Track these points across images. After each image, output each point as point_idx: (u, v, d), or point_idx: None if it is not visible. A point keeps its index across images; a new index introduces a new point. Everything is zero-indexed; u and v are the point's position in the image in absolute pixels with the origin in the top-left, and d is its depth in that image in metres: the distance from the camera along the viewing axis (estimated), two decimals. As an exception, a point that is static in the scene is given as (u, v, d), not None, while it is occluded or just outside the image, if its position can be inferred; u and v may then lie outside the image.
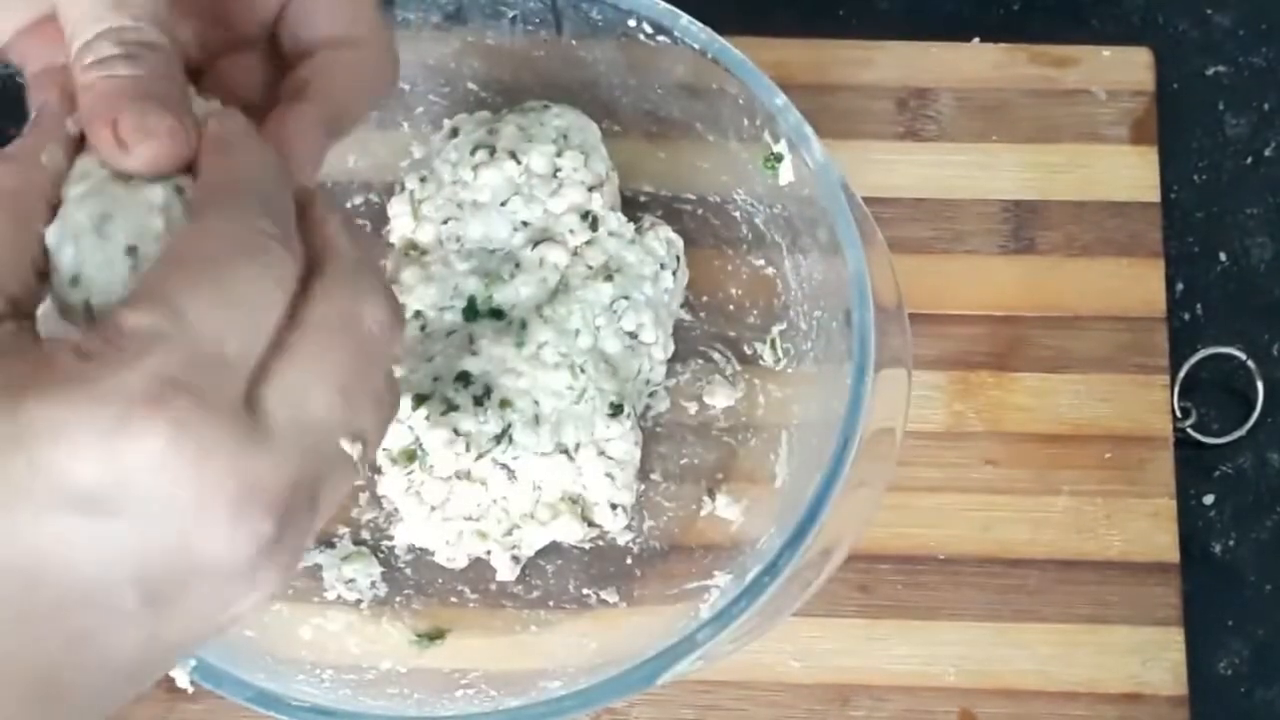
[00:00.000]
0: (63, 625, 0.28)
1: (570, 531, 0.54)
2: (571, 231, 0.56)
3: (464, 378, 0.53)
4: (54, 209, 0.33)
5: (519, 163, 0.56)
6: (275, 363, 0.30)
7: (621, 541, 0.57)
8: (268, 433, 0.29)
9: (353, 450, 0.32)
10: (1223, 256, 0.64)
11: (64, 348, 0.29)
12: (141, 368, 0.28)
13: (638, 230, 0.57)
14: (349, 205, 0.60)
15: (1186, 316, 0.63)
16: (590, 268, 0.55)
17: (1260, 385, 0.61)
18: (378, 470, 0.56)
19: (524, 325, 0.54)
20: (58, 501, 0.28)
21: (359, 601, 0.55)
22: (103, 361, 0.28)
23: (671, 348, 0.57)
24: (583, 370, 0.53)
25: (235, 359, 0.29)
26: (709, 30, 0.53)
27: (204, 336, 0.29)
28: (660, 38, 0.53)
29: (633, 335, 0.55)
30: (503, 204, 0.56)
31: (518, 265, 0.55)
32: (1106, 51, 0.65)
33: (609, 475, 0.54)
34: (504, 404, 0.53)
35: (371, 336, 0.32)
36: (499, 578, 0.56)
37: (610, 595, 0.56)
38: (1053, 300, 0.61)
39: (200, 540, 0.29)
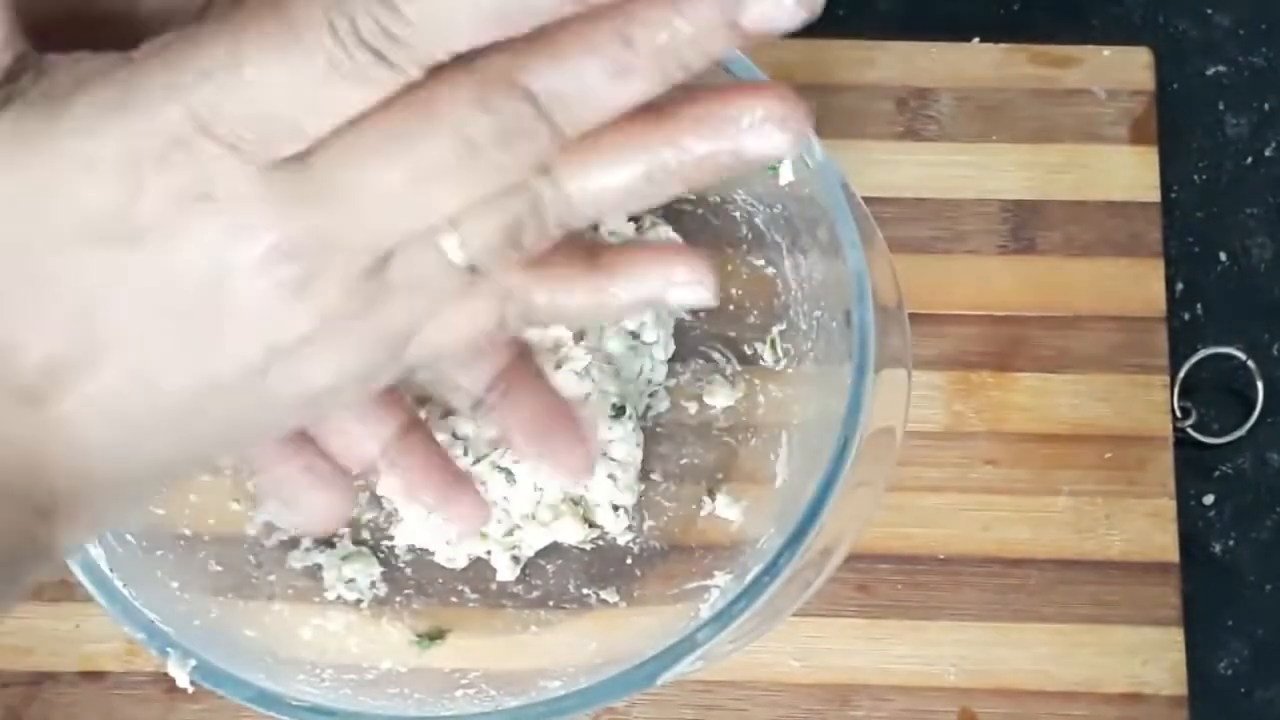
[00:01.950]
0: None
1: (571, 532, 0.54)
2: (572, 231, 0.56)
3: (464, 378, 0.53)
4: None
5: (519, 163, 0.55)
6: (338, 137, 0.28)
7: (622, 541, 0.57)
8: (305, 188, 0.28)
9: (448, 239, 0.29)
10: (1223, 256, 0.64)
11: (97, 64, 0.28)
12: (181, 107, 0.27)
13: (638, 230, 0.57)
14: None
15: (1186, 316, 0.63)
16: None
17: (1260, 385, 0.61)
18: (374, 470, 0.56)
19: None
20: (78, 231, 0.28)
21: (359, 601, 0.55)
22: (142, 81, 0.28)
23: (672, 348, 0.57)
24: (587, 372, 0.53)
25: (283, 121, 0.28)
26: (709, 30, 0.53)
27: (256, 91, 0.27)
28: (660, 38, 0.53)
29: (634, 335, 0.55)
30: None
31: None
32: (1106, 51, 0.65)
33: (611, 477, 0.54)
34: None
35: (466, 139, 0.28)
36: (499, 578, 0.56)
37: (610, 595, 0.56)
38: (1052, 300, 0.61)
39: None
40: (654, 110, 0.29)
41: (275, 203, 0.28)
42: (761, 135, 0.30)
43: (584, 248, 0.33)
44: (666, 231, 0.57)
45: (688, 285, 0.32)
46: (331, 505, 0.39)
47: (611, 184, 0.29)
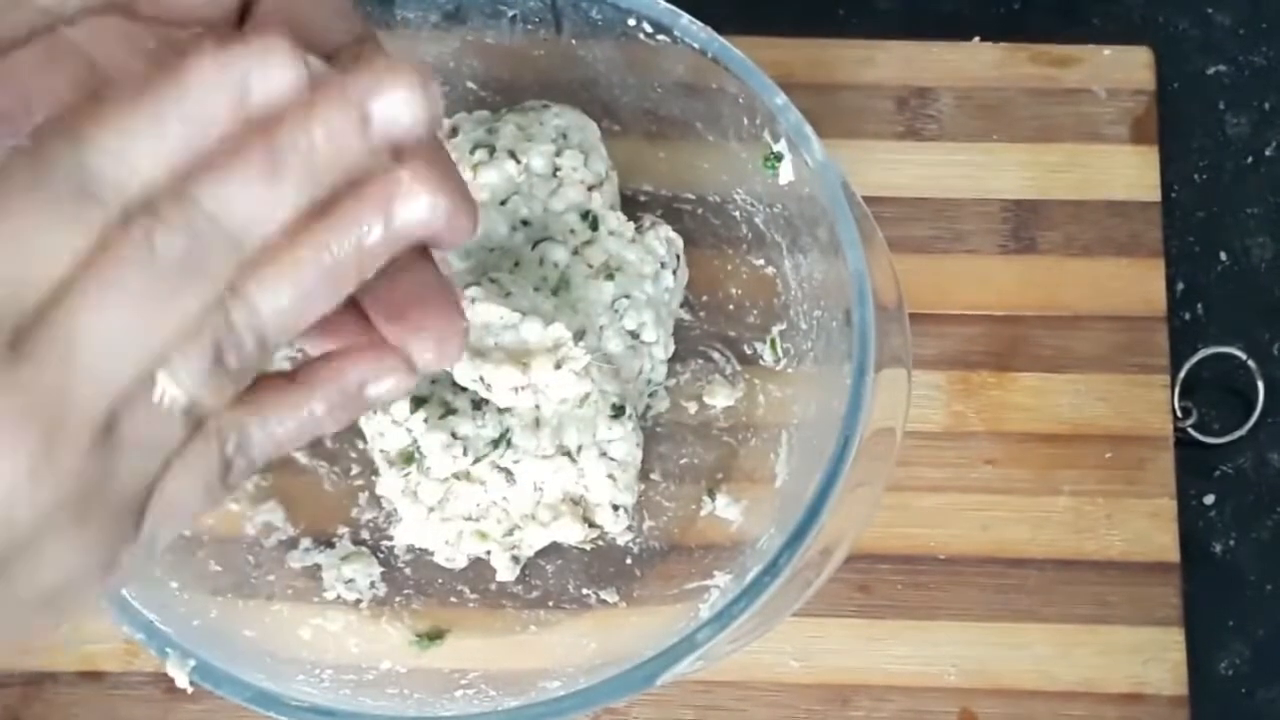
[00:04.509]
0: None
1: (571, 532, 0.54)
2: (572, 231, 0.56)
3: (463, 378, 0.53)
4: None
5: (518, 162, 0.55)
6: (54, 303, 0.29)
7: (621, 541, 0.56)
8: (26, 363, 0.28)
9: (167, 384, 0.30)
10: (1223, 256, 0.64)
11: None
12: None
13: (638, 229, 0.57)
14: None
15: (1187, 316, 0.63)
16: (591, 267, 0.55)
17: (1260, 385, 0.61)
18: (375, 471, 0.56)
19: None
20: None
21: (359, 601, 0.55)
22: None
23: (672, 347, 0.57)
24: (586, 372, 0.53)
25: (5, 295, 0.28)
26: (709, 30, 0.53)
27: None
28: (660, 37, 0.53)
29: (634, 335, 0.55)
30: (502, 203, 0.56)
31: (517, 264, 0.55)
32: (1107, 51, 0.65)
33: (611, 477, 0.54)
34: (503, 409, 0.53)
35: (160, 263, 0.29)
36: (499, 578, 0.56)
37: (610, 595, 0.56)
38: (1053, 300, 0.61)
39: None
40: (318, 213, 0.31)
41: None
42: (407, 201, 0.31)
43: (285, 375, 0.34)
44: (666, 231, 0.57)
45: (384, 378, 0.34)
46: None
47: (293, 289, 0.31)
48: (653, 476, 0.57)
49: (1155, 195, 0.63)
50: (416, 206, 0.31)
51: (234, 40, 0.29)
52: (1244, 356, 0.61)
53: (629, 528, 0.56)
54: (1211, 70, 0.67)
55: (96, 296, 0.29)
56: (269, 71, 0.29)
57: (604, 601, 0.56)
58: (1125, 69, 0.64)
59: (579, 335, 0.53)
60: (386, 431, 0.54)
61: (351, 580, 0.55)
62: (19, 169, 0.29)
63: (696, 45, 0.53)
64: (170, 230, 0.29)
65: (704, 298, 0.60)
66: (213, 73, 0.29)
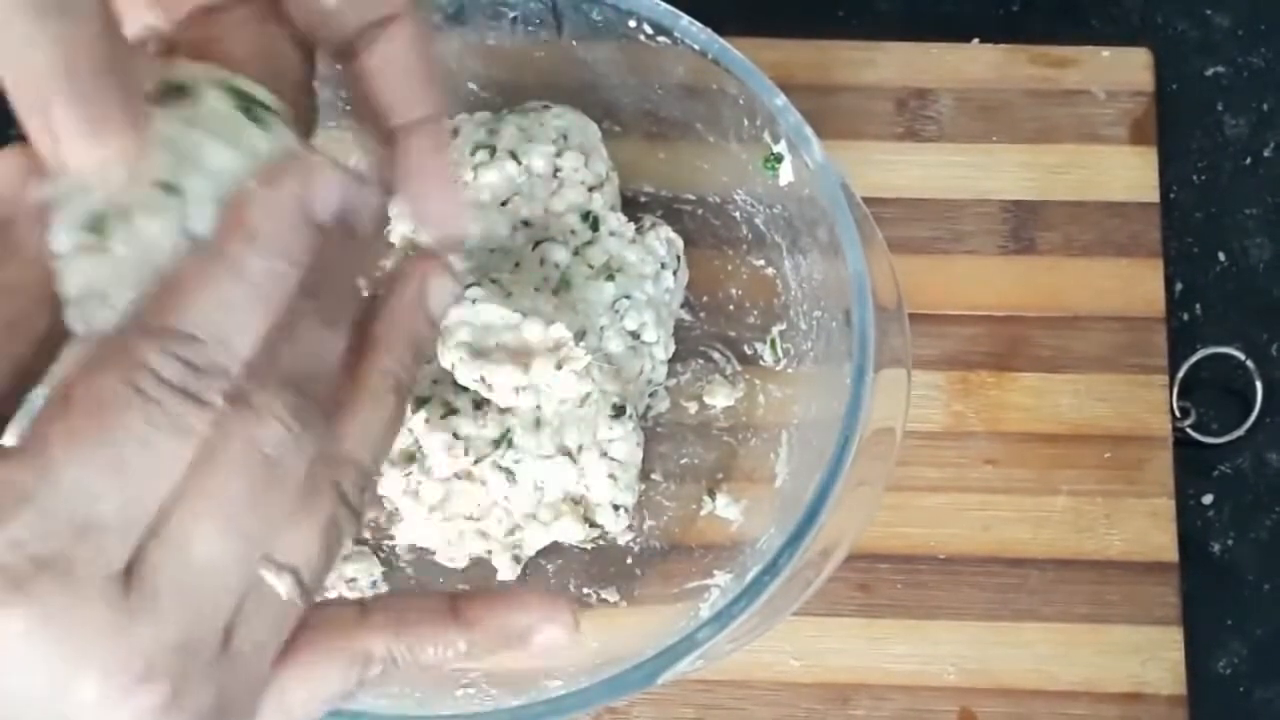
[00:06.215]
0: None
1: (572, 532, 0.54)
2: (572, 232, 0.56)
3: (464, 378, 0.53)
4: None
5: (519, 163, 0.56)
6: (164, 517, 0.27)
7: (622, 541, 0.57)
8: (146, 597, 0.27)
9: (277, 580, 0.29)
10: (1222, 256, 0.64)
11: None
12: (3, 538, 0.26)
13: (638, 230, 0.57)
14: (350, 205, 0.60)
15: (1186, 316, 0.63)
16: (591, 267, 0.55)
17: (1259, 385, 0.61)
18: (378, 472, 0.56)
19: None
20: None
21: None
22: None
23: (672, 347, 0.58)
24: (587, 372, 0.53)
25: (113, 525, 0.26)
26: (709, 31, 0.53)
27: (77, 501, 0.26)
28: (660, 38, 0.54)
29: (635, 335, 0.55)
30: (503, 204, 0.56)
31: (517, 265, 0.55)
32: (1106, 52, 0.65)
33: (611, 476, 0.54)
34: (504, 409, 0.53)
35: (265, 460, 0.28)
36: (500, 577, 0.56)
37: (611, 595, 0.56)
38: (1052, 300, 0.61)
39: None
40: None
41: (120, 627, 0.27)
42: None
43: (446, 600, 0.33)
44: (666, 232, 0.57)
45: (549, 628, 0.34)
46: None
47: (381, 418, 0.31)
48: (653, 476, 0.58)
49: (1154, 196, 0.63)
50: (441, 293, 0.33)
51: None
52: (1242, 357, 0.61)
53: (629, 527, 0.56)
54: (1210, 71, 0.67)
55: (204, 512, 0.27)
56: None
57: (605, 601, 0.56)
58: (1124, 70, 0.65)
59: (580, 335, 0.53)
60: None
61: (353, 580, 0.55)
62: (110, 378, 0.27)
63: (697, 46, 0.53)
64: (264, 422, 0.28)
65: (704, 298, 0.60)
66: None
